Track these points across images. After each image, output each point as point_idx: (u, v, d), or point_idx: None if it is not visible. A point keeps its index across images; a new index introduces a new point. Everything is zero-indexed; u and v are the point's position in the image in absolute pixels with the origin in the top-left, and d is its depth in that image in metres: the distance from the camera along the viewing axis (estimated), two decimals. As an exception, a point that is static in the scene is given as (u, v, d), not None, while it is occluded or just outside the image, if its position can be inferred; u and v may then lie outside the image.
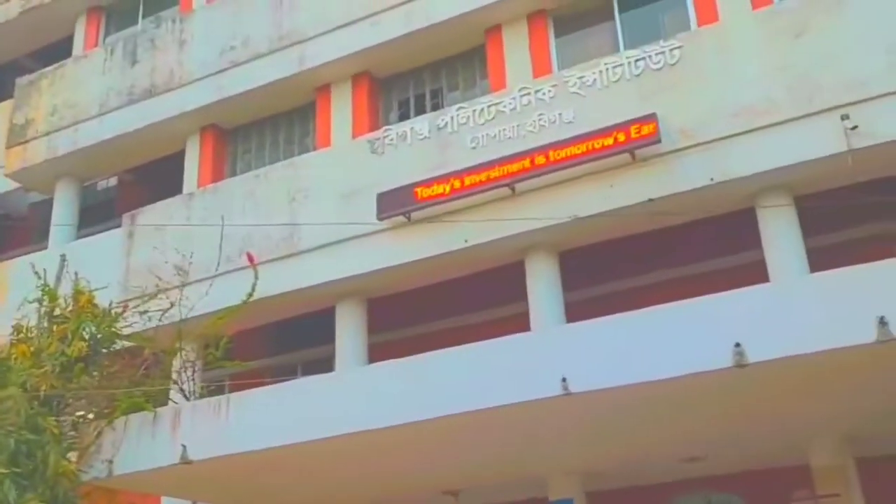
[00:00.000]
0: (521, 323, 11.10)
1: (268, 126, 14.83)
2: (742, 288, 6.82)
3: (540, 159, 10.86)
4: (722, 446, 9.34)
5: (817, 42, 9.94)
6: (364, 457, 8.74)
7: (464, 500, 10.80)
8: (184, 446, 8.33)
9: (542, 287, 11.17)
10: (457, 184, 11.32)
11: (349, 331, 12.34)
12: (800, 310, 6.28)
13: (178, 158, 15.14)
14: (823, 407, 8.04)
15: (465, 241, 11.21)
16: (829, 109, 9.56)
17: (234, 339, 11.29)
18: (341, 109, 13.67)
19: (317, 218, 12.39)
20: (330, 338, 13.17)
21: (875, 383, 7.26)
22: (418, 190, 11.53)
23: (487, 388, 7.17)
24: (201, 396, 10.56)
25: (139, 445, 8.60)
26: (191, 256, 12.08)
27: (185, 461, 8.28)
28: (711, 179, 9.98)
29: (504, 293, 11.88)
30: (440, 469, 9.75)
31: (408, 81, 13.78)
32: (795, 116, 9.75)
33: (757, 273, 9.92)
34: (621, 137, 10.40)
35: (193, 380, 10.91)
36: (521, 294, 11.43)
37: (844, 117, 9.39)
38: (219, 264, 12.33)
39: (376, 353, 12.31)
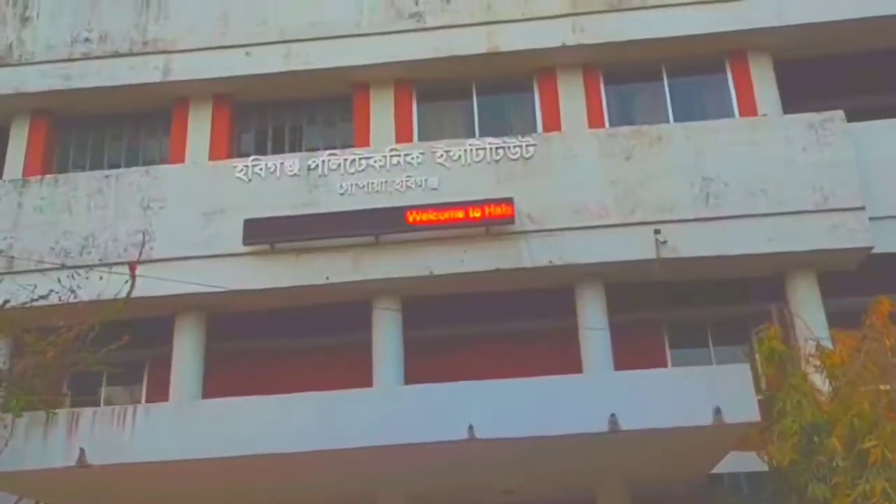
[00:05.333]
0: (363, 352, 12.47)
1: (110, 125, 14.74)
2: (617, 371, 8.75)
3: (406, 217, 12.30)
4: (529, 482, 11.21)
5: (641, 167, 12.47)
6: (224, 475, 9.50)
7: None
8: (82, 449, 8.58)
9: (387, 328, 12.53)
10: (325, 224, 12.39)
11: (190, 343, 12.82)
12: (659, 393, 8.37)
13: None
14: (622, 460, 10.14)
15: (327, 278, 12.32)
16: (646, 223, 12.08)
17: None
18: (199, 127, 14.08)
19: (173, 230, 12.80)
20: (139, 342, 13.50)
21: (664, 449, 9.42)
22: (288, 222, 12.44)
23: (401, 429, 8.44)
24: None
25: (27, 445, 8.65)
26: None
27: (82, 465, 8.55)
28: (550, 261, 12.09)
29: (344, 322, 13.06)
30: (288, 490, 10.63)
31: (268, 112, 14.54)
32: (620, 223, 12.19)
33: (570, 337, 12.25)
34: (480, 213, 12.17)
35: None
36: (362, 324, 12.73)
37: (657, 231, 11.97)
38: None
39: (215, 364, 12.98)
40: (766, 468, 9.84)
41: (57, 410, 8.83)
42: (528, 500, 11.81)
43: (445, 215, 12.22)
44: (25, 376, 8.96)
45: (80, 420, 8.81)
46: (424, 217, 12.22)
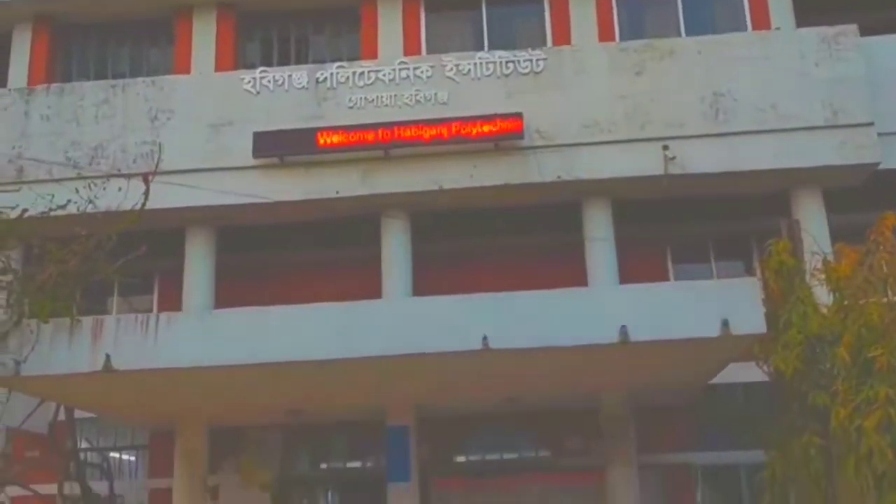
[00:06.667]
0: (372, 266, 12.66)
1: (113, 32, 14.56)
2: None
3: (415, 131, 12.31)
4: (535, 391, 11.51)
5: (651, 82, 12.43)
6: (243, 382, 9.77)
7: (305, 418, 12.16)
8: (108, 355, 8.80)
9: (396, 241, 12.73)
10: (335, 138, 12.42)
11: (200, 255, 13.02)
12: (668, 306, 8.60)
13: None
14: (629, 371, 10.41)
15: (337, 192, 12.41)
16: (655, 139, 12.12)
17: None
18: (204, 36, 13.94)
19: (182, 142, 12.80)
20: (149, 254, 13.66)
21: (670, 360, 9.69)
22: (297, 136, 12.45)
23: (415, 339, 8.66)
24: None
25: (52, 350, 8.86)
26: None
27: (108, 370, 8.79)
28: (559, 177, 12.17)
29: (353, 235, 13.22)
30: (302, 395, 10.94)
31: (274, 22, 14.36)
32: (629, 139, 12.23)
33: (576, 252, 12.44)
34: (490, 128, 12.18)
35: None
36: (366, 238, 12.91)
37: (665, 147, 12.01)
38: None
39: (225, 276, 13.18)
40: (761, 379, 10.18)
41: (81, 317, 9.01)
42: (532, 408, 12.22)
43: (455, 130, 12.23)
44: (48, 284, 9.11)
45: (103, 327, 9.01)
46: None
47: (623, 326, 8.45)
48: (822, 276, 8.85)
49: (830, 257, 9.43)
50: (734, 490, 12.70)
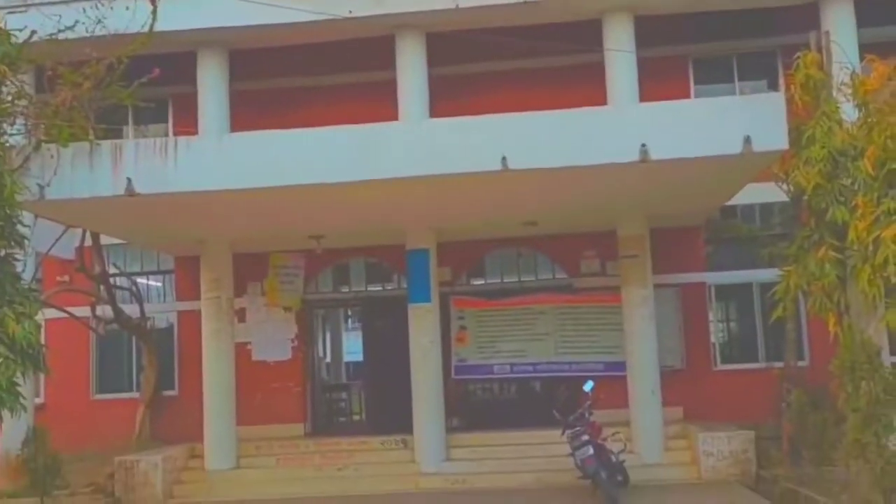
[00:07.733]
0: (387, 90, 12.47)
1: None
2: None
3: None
4: (554, 213, 11.55)
5: None
6: (263, 205, 9.87)
7: (326, 242, 12.37)
8: (129, 179, 8.87)
9: (411, 64, 12.43)
10: (342, -47, 11.89)
11: (213, 79, 12.82)
12: (689, 123, 8.46)
13: None
14: (648, 191, 10.35)
15: (350, 11, 12.00)
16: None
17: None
18: None
19: (188, -40, 12.30)
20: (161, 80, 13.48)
21: (690, 179, 9.62)
22: (305, -49, 11.92)
23: (435, 160, 8.63)
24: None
25: (74, 174, 8.91)
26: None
27: (130, 194, 8.88)
28: (579, -9, 11.71)
29: (367, 59, 12.95)
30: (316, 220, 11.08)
31: None
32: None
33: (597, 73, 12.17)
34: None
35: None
36: (380, 62, 12.64)
37: (693, -41, 11.45)
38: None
39: (239, 103, 13.07)
40: (778, 199, 10.19)
41: (100, 142, 9.00)
42: (550, 231, 12.36)
43: (468, -58, 11.66)
44: (63, 109, 9.03)
45: (123, 152, 9.02)
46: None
47: (643, 145, 8.36)
48: (849, 91, 8.62)
49: (860, 71, 9.16)
50: (747, 306, 13.04)
